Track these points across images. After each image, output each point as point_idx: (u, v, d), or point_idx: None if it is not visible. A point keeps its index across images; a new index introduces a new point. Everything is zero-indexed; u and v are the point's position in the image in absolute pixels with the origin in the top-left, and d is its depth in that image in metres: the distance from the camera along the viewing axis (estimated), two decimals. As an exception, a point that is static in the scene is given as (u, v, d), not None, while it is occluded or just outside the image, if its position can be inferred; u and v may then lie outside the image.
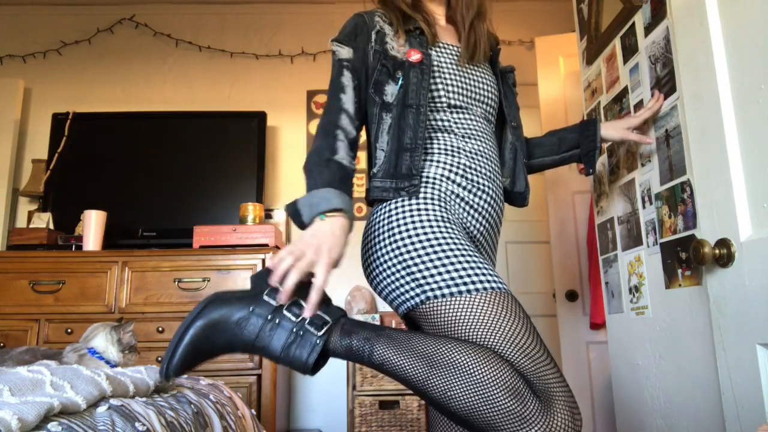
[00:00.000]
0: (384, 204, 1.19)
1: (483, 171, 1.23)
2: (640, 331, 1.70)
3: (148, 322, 2.46)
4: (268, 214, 3.15)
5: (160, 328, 2.46)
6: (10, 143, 3.13)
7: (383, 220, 1.17)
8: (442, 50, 1.28)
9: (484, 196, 1.22)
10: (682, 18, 1.34)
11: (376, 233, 1.17)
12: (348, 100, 1.21)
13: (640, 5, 1.66)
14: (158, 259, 2.55)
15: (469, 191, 1.21)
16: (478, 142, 1.25)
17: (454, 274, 1.05)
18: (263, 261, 2.55)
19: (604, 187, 1.95)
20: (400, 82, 1.22)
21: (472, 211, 1.21)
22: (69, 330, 2.45)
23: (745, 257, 1.14)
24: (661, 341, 1.59)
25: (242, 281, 2.53)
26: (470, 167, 1.22)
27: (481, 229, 1.23)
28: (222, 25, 3.48)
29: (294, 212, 1.08)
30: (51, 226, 2.81)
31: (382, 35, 1.27)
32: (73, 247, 2.68)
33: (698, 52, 1.27)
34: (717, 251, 1.19)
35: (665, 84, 1.53)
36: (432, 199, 1.17)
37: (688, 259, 1.43)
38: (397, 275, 1.11)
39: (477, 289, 1.03)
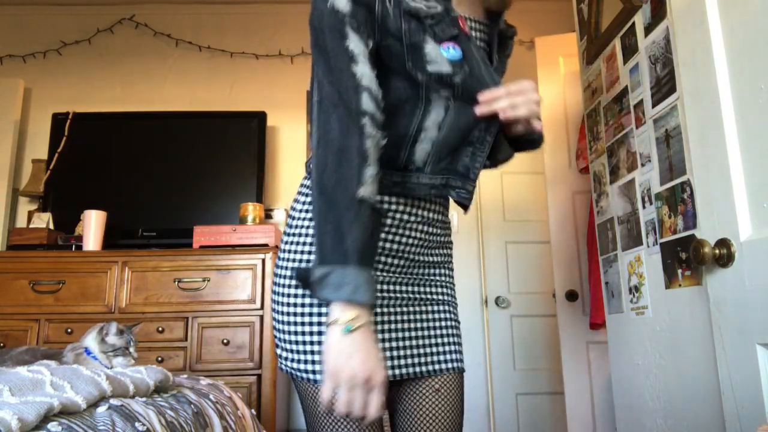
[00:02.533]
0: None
1: None
2: (640, 331, 1.70)
3: (148, 322, 2.46)
4: (268, 214, 3.15)
5: (160, 328, 2.46)
6: (10, 143, 3.12)
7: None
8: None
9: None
10: (682, 18, 1.34)
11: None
12: (366, 72, 0.87)
13: (640, 5, 1.66)
14: (158, 259, 2.55)
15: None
16: None
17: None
18: (263, 261, 2.55)
19: (604, 187, 1.95)
20: (458, 52, 0.93)
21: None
22: (69, 330, 2.44)
23: (745, 257, 1.14)
24: (661, 341, 1.59)
25: (242, 281, 2.53)
26: None
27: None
28: (222, 25, 3.47)
29: (312, 283, 0.83)
30: (51, 226, 2.81)
31: None
32: (73, 247, 2.68)
33: (698, 52, 1.27)
34: (717, 251, 1.19)
35: (665, 84, 1.53)
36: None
37: (688, 259, 1.43)
38: None
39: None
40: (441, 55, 0.92)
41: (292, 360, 1.01)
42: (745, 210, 1.15)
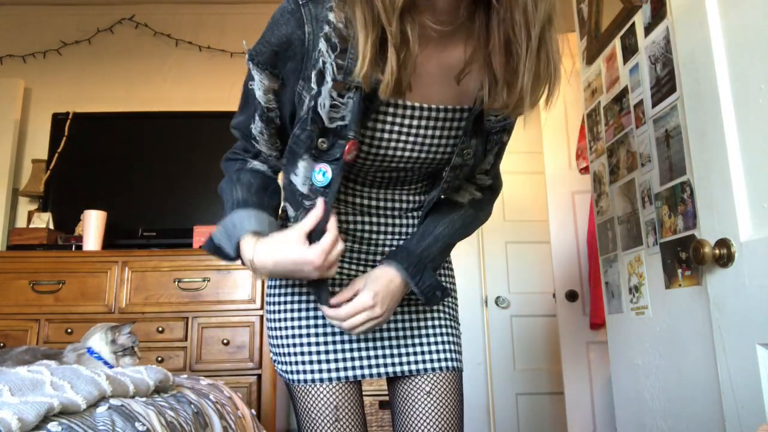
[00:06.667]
0: None
1: None
2: (640, 331, 1.70)
3: (148, 322, 2.46)
4: (268, 214, 3.15)
5: (160, 328, 2.46)
6: (10, 143, 3.12)
7: None
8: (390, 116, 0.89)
9: None
10: (682, 18, 1.34)
11: None
12: (258, 164, 1.02)
13: (640, 5, 1.66)
14: (158, 259, 2.55)
15: None
16: None
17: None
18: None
19: (604, 187, 1.95)
20: (326, 179, 0.89)
21: None
22: (69, 330, 2.44)
23: (745, 257, 1.14)
24: (661, 341, 1.59)
25: (242, 281, 2.53)
26: None
27: None
28: (222, 25, 3.47)
29: (214, 249, 0.95)
30: (51, 226, 2.81)
31: (322, 74, 0.83)
32: (73, 247, 2.68)
33: (698, 52, 1.27)
34: (717, 251, 1.19)
35: (665, 84, 1.53)
36: None
37: (688, 259, 1.43)
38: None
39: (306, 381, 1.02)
40: (306, 176, 0.91)
41: (278, 362, 1.05)
42: (745, 210, 1.15)
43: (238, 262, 0.94)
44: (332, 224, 0.86)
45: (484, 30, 0.82)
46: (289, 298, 1.05)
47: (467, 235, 1.07)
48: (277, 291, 1.06)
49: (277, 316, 1.05)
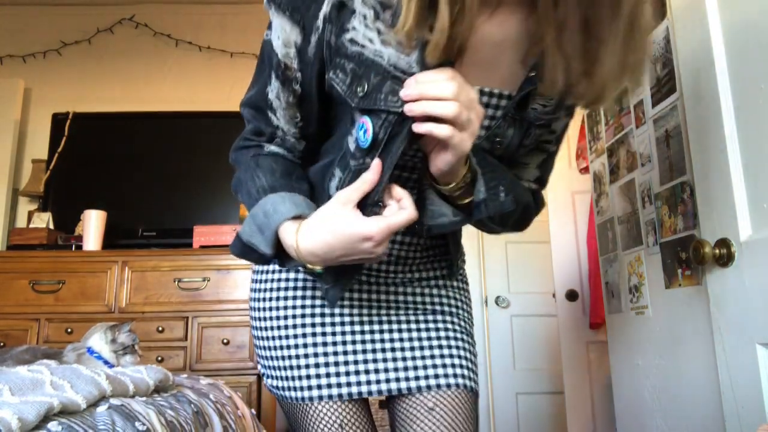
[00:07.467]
0: None
1: None
2: (640, 331, 1.70)
3: (148, 322, 2.46)
4: (268, 214, 3.14)
5: (160, 328, 2.46)
6: (10, 143, 3.12)
7: None
8: None
9: None
10: (682, 18, 1.34)
11: None
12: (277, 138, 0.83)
13: (640, 5, 1.66)
14: (158, 259, 2.55)
15: None
16: None
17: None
18: (263, 261, 2.54)
19: (604, 187, 1.95)
20: (368, 140, 0.71)
21: None
22: (69, 330, 2.44)
23: (745, 257, 1.14)
24: (661, 341, 1.59)
25: (242, 281, 2.53)
26: None
27: None
28: (222, 25, 3.47)
29: (244, 250, 0.78)
30: (51, 226, 2.81)
31: (346, 14, 0.71)
32: (73, 246, 2.68)
33: (698, 52, 1.27)
34: (717, 251, 1.19)
35: (665, 84, 1.53)
36: None
37: (688, 259, 1.43)
38: None
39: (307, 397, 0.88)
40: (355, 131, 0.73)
41: (268, 376, 0.93)
42: (744, 210, 1.15)
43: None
44: (407, 199, 0.70)
45: (552, 4, 0.64)
46: (274, 303, 0.91)
47: (524, 197, 0.90)
48: (261, 295, 0.93)
49: (264, 324, 0.92)
